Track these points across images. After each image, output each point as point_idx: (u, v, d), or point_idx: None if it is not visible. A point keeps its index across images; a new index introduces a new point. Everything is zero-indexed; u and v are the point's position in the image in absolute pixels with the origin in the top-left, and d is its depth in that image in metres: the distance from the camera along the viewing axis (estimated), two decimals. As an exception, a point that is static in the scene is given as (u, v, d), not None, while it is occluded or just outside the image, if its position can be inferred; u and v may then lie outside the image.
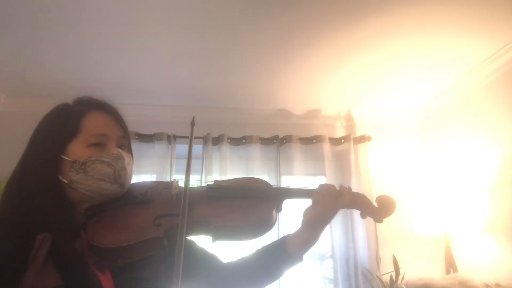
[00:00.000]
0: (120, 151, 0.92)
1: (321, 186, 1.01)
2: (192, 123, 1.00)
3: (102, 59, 2.15)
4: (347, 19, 1.83)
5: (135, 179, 1.06)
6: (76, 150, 0.88)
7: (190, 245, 1.03)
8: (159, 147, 2.51)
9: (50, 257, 0.73)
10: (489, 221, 2.13)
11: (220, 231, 0.92)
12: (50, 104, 0.97)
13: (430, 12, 1.79)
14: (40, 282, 0.71)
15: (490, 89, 2.24)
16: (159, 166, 2.47)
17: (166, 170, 2.48)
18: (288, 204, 1.04)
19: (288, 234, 1.04)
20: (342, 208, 1.00)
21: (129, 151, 0.99)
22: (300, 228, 1.01)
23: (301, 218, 1.01)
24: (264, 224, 0.95)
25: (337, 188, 1.01)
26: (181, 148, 2.56)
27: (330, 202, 0.97)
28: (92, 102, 0.96)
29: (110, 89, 2.43)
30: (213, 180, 1.09)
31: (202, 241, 1.04)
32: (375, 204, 1.03)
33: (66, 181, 0.87)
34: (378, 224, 2.47)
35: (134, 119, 2.38)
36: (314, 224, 0.99)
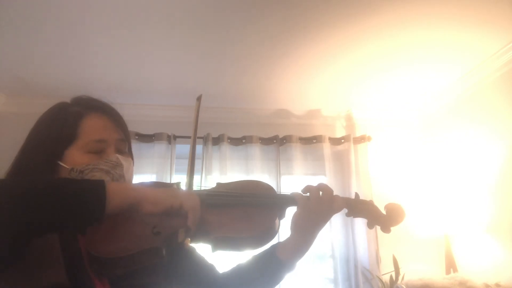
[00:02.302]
0: (119, 157, 0.89)
1: (308, 187, 0.97)
2: (199, 99, 0.99)
3: (102, 60, 2.15)
4: (347, 14, 1.81)
5: (135, 179, 1.05)
6: (74, 156, 0.85)
7: (191, 253, 1.02)
8: (159, 147, 2.51)
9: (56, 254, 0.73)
10: (490, 221, 2.12)
11: (221, 241, 0.90)
12: (50, 105, 0.95)
13: (435, 4, 1.73)
14: (44, 276, 0.69)
15: (497, 85, 2.19)
16: (159, 166, 2.47)
17: (166, 170, 2.47)
18: (291, 211, 1.00)
19: (280, 241, 1.02)
20: (333, 214, 0.97)
21: (130, 154, 0.96)
22: (290, 234, 0.99)
23: (290, 223, 0.99)
24: (267, 234, 0.93)
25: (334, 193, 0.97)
26: (181, 148, 2.56)
27: (315, 206, 0.94)
28: (91, 103, 0.93)
29: (110, 89, 2.43)
30: (213, 181, 1.07)
31: (202, 250, 1.02)
32: (384, 212, 1.00)
33: None
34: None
35: (134, 119, 2.40)
36: (300, 229, 0.97)
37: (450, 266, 2.19)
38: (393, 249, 2.38)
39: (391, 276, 2.29)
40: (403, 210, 1.00)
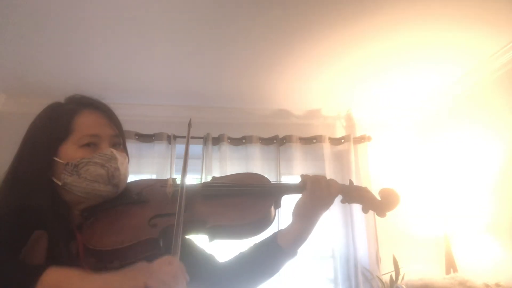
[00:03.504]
0: (113, 151, 0.91)
1: (308, 176, 1.00)
2: (189, 125, 1.00)
3: (102, 60, 2.15)
4: (347, 14, 1.81)
5: (135, 178, 1.05)
6: (69, 152, 0.87)
7: (189, 245, 1.03)
8: (159, 147, 2.51)
9: (46, 259, 0.73)
10: (490, 221, 2.12)
11: (217, 230, 0.91)
12: (50, 105, 0.97)
13: (435, 5, 1.74)
14: None
15: (497, 85, 2.19)
16: (159, 166, 2.47)
17: (166, 170, 2.47)
18: (288, 200, 1.02)
19: (280, 229, 1.03)
20: (332, 198, 0.98)
21: (124, 149, 0.98)
22: (291, 221, 1.01)
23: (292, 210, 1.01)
24: (262, 221, 0.94)
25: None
26: (181, 148, 2.55)
27: (318, 191, 0.96)
28: (84, 101, 0.95)
29: (111, 89, 2.43)
30: (211, 177, 1.09)
31: (200, 241, 1.03)
32: (378, 198, 1.01)
33: (60, 183, 0.86)
34: (378, 224, 2.47)
35: (134, 119, 2.44)
36: (303, 215, 0.98)
37: (450, 266, 2.19)
38: (393, 249, 2.38)
39: (391, 276, 2.29)
40: (398, 194, 1.01)
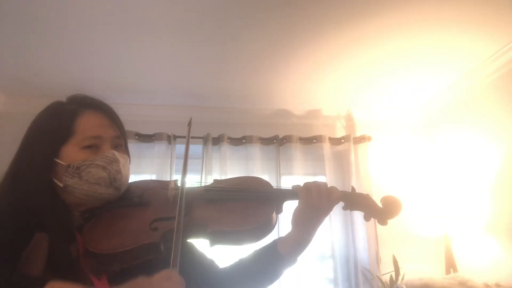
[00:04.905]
0: (115, 153, 0.90)
1: (307, 183, 0.97)
2: (189, 124, 0.99)
3: (102, 60, 2.15)
4: (347, 17, 1.82)
5: (135, 179, 1.05)
6: (70, 153, 0.86)
7: (189, 249, 1.02)
8: (159, 147, 2.51)
9: (46, 261, 0.72)
10: (490, 221, 2.12)
11: (218, 235, 0.90)
12: (50, 105, 0.96)
13: (432, 9, 1.77)
14: None
15: (493, 87, 2.22)
16: (159, 166, 2.47)
17: (166, 170, 2.47)
18: (289, 206, 1.01)
19: (281, 236, 1.02)
20: (331, 206, 0.96)
21: (126, 151, 0.97)
22: (291, 228, 0.99)
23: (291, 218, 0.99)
24: (264, 227, 0.93)
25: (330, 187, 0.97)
26: (181, 148, 2.55)
27: (316, 200, 0.93)
28: (86, 101, 0.94)
29: (111, 89, 2.43)
30: (212, 180, 1.07)
31: (201, 245, 1.02)
32: (380, 205, 1.00)
33: (61, 185, 0.86)
34: (378, 224, 2.46)
35: (134, 119, 2.44)
36: (301, 223, 0.96)
37: (450, 266, 2.19)
38: (393, 249, 2.38)
39: (391, 276, 2.29)
40: (400, 202, 1.00)
